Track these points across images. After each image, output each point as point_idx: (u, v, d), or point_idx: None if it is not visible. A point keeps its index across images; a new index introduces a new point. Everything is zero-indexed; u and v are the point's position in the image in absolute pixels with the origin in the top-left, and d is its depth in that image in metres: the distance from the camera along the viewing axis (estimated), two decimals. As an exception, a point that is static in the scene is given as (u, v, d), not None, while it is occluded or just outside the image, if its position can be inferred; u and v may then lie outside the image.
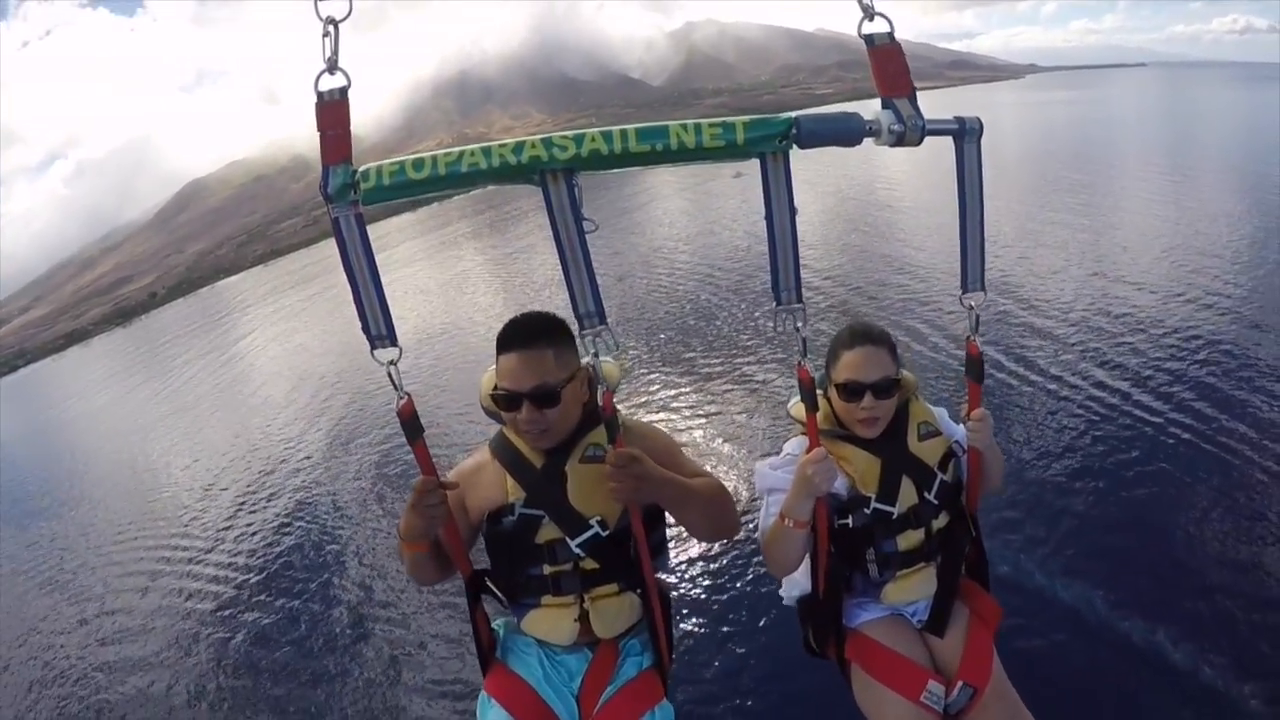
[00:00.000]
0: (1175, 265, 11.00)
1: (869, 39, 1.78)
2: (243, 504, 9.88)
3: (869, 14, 1.76)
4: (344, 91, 1.80)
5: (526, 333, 2.08)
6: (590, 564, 2.13)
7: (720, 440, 8.02)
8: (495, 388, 2.12)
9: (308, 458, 10.88)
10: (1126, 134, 33.57)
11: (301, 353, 18.89)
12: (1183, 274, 10.44)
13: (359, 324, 1.86)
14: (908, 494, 2.25)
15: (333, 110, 1.80)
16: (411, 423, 1.93)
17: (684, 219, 24.21)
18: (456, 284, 21.34)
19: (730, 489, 4.62)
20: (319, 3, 1.75)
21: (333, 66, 1.77)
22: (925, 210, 17.82)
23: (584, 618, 2.16)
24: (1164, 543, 5.23)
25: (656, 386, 9.88)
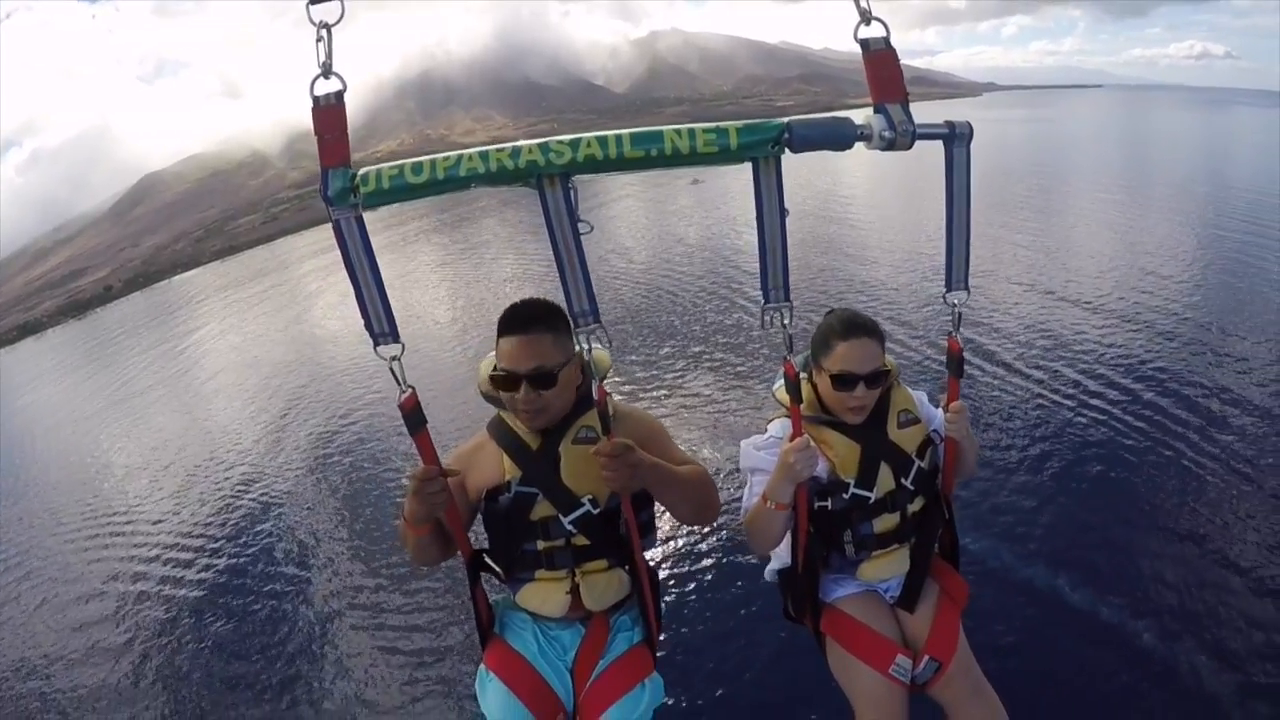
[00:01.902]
0: (1117, 277, 11.51)
1: (864, 44, 1.79)
2: (205, 488, 9.85)
3: (866, 18, 1.77)
4: (340, 95, 1.80)
5: (527, 317, 2.13)
6: (581, 540, 2.20)
7: (704, 419, 8.23)
8: (495, 369, 2.18)
9: (277, 437, 10.92)
10: (1071, 151, 34.71)
11: (262, 342, 18.97)
12: (1122, 287, 11.02)
13: (361, 322, 1.89)
14: (885, 480, 2.32)
15: (329, 114, 1.80)
16: (414, 415, 1.97)
17: (643, 219, 24.43)
18: (415, 278, 21.36)
19: (714, 467, 4.71)
20: (311, 7, 1.76)
21: (328, 70, 1.78)
22: (879, 212, 18.23)
23: (575, 591, 2.23)
24: (1127, 526, 5.57)
25: (639, 370, 10.11)
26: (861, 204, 21.84)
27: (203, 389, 15.94)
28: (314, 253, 36.80)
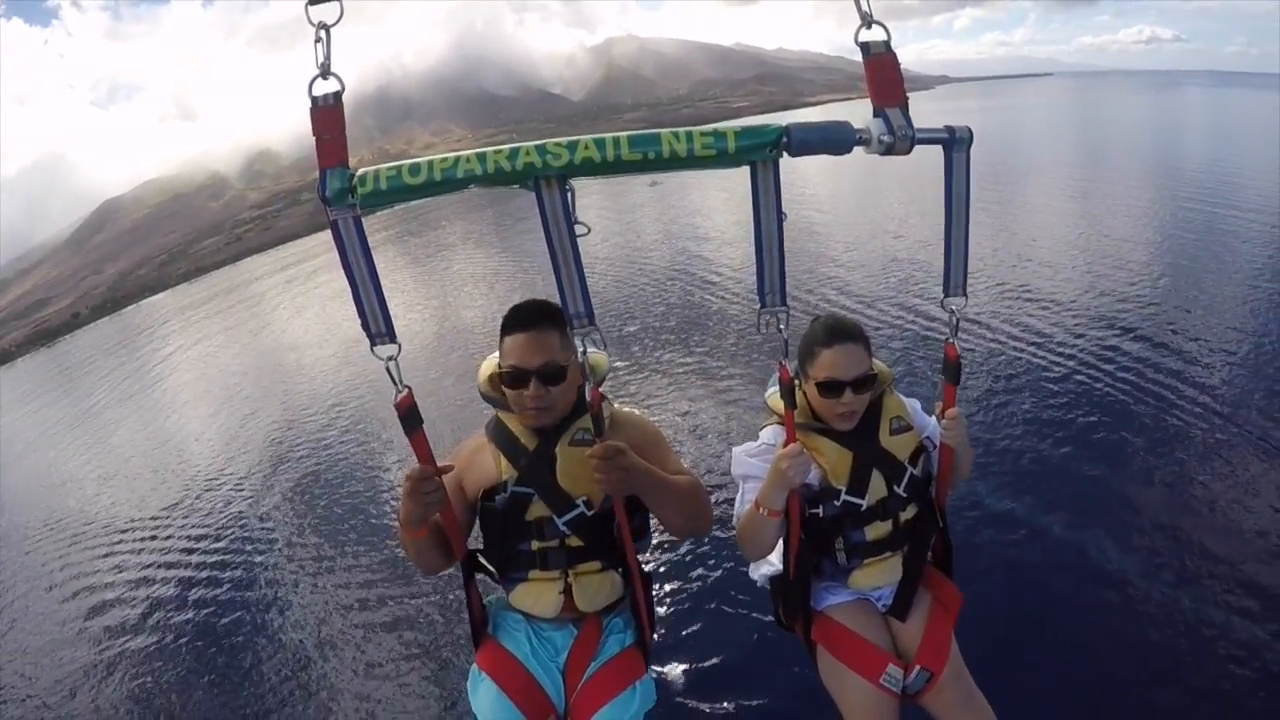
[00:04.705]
0: (1079, 252, 11.64)
1: (865, 47, 1.78)
2: (191, 492, 9.64)
3: (867, 22, 1.76)
4: (338, 96, 1.79)
5: (534, 315, 2.16)
6: (575, 541, 2.23)
7: (696, 425, 8.14)
8: (499, 368, 2.19)
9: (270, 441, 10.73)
10: (1020, 136, 35.50)
11: (239, 351, 18.82)
12: (1083, 264, 11.08)
13: (359, 322, 1.89)
14: (877, 487, 2.34)
15: (327, 115, 1.79)
16: (410, 415, 1.96)
17: (607, 220, 24.50)
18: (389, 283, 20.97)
19: (706, 470, 4.62)
20: (310, 8, 1.76)
21: (325, 71, 1.76)
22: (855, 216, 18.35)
23: (568, 592, 2.26)
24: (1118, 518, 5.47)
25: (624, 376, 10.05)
26: (853, 206, 21.91)
27: (181, 399, 15.85)
28: (281, 267, 36.38)
